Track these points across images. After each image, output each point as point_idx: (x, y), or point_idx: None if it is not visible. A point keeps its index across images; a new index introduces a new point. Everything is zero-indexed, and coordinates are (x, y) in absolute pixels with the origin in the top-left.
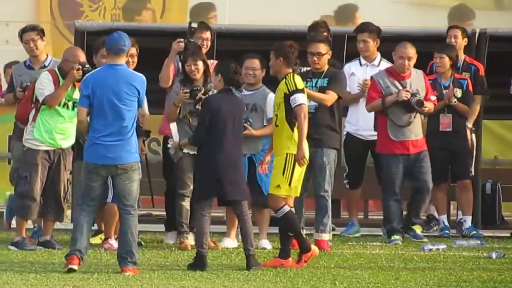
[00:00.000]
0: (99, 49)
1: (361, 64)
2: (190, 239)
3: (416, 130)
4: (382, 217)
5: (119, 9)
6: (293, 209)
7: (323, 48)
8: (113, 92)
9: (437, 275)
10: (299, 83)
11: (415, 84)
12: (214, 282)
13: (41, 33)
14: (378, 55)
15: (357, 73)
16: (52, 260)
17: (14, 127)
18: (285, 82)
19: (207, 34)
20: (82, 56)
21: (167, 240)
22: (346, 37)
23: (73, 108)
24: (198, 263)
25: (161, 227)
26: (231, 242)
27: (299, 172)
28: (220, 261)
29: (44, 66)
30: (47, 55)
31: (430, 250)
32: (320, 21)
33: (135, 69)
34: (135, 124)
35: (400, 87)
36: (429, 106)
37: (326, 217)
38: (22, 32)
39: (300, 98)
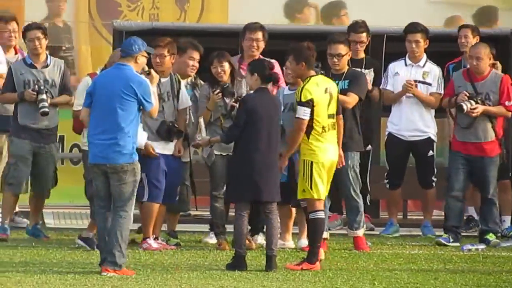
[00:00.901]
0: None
1: (406, 64)
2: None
3: (479, 133)
4: (421, 217)
5: (157, 9)
6: (323, 213)
7: (342, 49)
8: (109, 90)
9: (476, 275)
10: (307, 94)
11: (487, 87)
12: (253, 282)
13: (46, 31)
14: (424, 56)
15: (402, 73)
16: (90, 260)
17: (12, 123)
18: (298, 89)
19: (258, 35)
20: None
21: (207, 239)
22: (385, 37)
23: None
24: (237, 263)
25: (199, 227)
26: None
27: (319, 175)
28: (259, 260)
29: (47, 66)
30: (46, 54)
31: (469, 250)
32: (360, 21)
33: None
34: (134, 125)
35: (470, 89)
36: (496, 110)
37: (359, 215)
38: (26, 29)
39: (299, 111)
